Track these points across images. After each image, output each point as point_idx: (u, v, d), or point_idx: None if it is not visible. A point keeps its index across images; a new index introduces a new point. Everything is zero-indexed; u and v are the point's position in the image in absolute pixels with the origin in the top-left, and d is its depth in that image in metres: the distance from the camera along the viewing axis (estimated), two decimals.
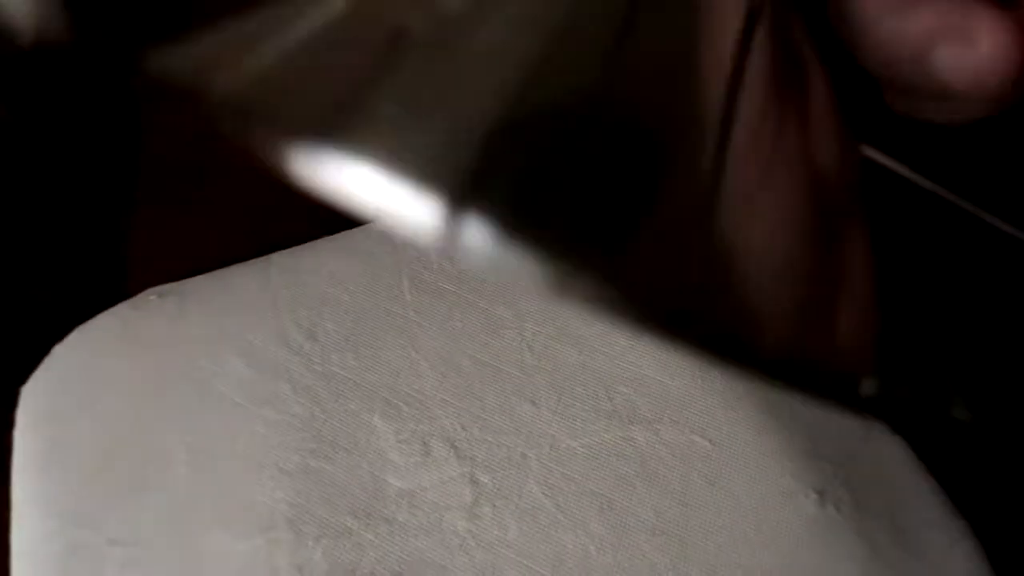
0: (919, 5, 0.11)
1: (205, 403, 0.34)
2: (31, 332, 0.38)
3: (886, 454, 0.35)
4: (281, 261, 0.39)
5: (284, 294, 0.38)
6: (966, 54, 0.11)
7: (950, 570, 0.32)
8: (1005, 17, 0.11)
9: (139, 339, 0.36)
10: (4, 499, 0.31)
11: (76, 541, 0.30)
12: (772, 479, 0.33)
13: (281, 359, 0.36)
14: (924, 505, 0.33)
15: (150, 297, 0.38)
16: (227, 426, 0.34)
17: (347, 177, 0.10)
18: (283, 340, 0.36)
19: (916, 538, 0.32)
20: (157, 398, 0.34)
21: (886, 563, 0.32)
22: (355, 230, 0.40)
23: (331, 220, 0.41)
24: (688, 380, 0.36)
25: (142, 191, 0.44)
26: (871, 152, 0.14)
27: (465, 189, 0.10)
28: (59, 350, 0.36)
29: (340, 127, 0.10)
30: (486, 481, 0.33)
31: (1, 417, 0.34)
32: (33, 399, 0.34)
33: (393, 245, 0.40)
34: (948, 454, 0.36)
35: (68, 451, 0.33)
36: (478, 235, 0.09)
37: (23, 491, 0.32)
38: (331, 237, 0.40)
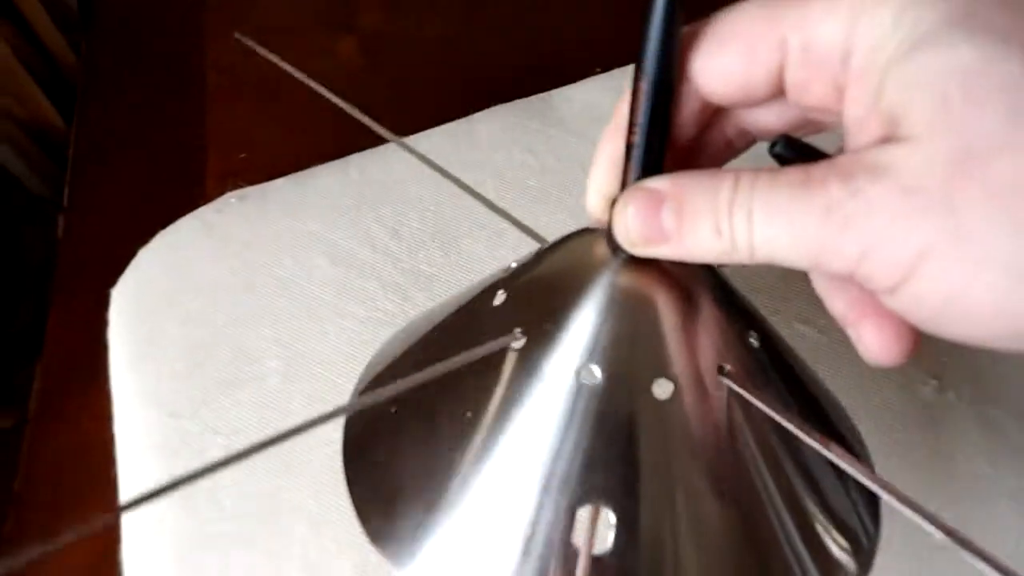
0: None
1: (293, 301, 0.34)
2: (117, 235, 0.38)
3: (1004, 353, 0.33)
4: (360, 162, 0.38)
5: (366, 193, 0.37)
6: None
7: None
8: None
9: (222, 240, 0.36)
10: (106, 394, 0.32)
11: (178, 429, 0.30)
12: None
13: (367, 257, 0.35)
14: None
15: (231, 200, 0.37)
16: (316, 323, 0.33)
17: None
18: (367, 238, 0.35)
19: None
20: (244, 297, 0.34)
21: (1012, 450, 0.30)
22: (435, 129, 0.39)
23: (408, 123, 0.40)
24: (789, 272, 0.34)
25: (213, 96, 0.43)
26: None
27: None
28: (144, 254, 0.36)
29: None
30: None
31: (96, 317, 0.34)
32: (123, 300, 0.34)
33: (474, 142, 0.38)
34: None
35: (160, 348, 0.33)
36: None
37: (122, 386, 0.32)
38: (408, 137, 0.39)
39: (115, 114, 0.44)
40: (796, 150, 0.16)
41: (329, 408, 0.15)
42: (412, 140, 0.39)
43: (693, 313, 0.17)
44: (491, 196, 0.37)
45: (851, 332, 0.17)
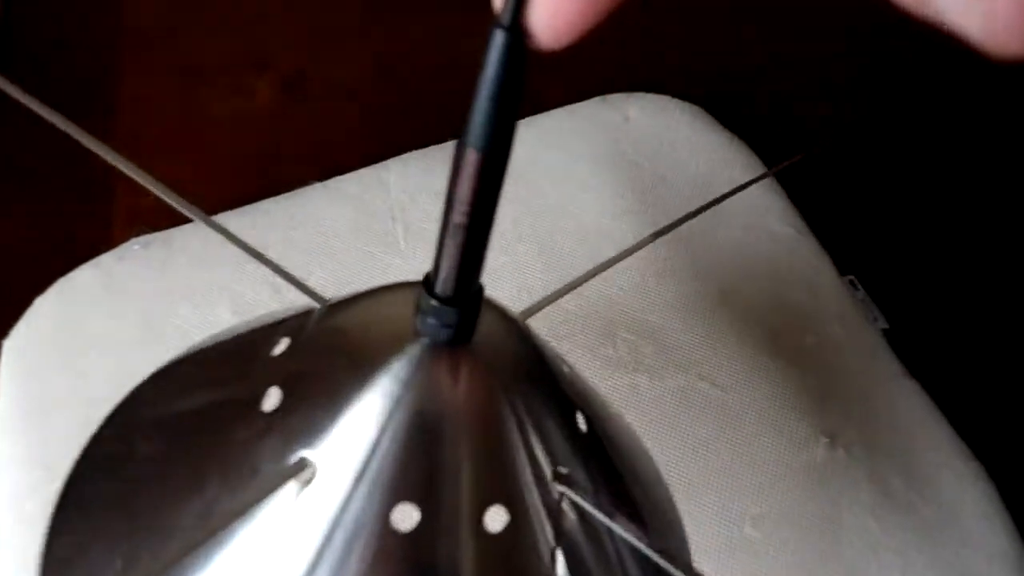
0: None
1: None
2: (11, 284, 0.37)
3: (900, 397, 0.34)
4: (271, 208, 0.38)
5: (274, 241, 0.36)
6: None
7: (963, 512, 0.31)
8: None
9: (123, 290, 0.35)
10: None
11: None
12: (781, 423, 0.32)
13: (271, 308, 0.34)
14: (937, 447, 0.32)
15: (134, 247, 0.36)
16: None
17: None
18: (273, 288, 0.35)
19: (929, 481, 0.31)
20: (142, 351, 0.33)
21: (897, 506, 0.31)
22: (346, 176, 0.39)
23: (321, 166, 0.39)
24: (693, 327, 0.35)
25: (126, 135, 0.42)
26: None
27: None
28: (40, 303, 0.35)
29: None
30: None
31: None
32: (15, 354, 0.33)
33: (386, 190, 0.38)
34: (964, 396, 0.35)
35: (52, 406, 0.32)
36: None
37: (6, 444, 0.31)
38: (322, 183, 0.39)
39: (22, 148, 0.42)
40: None
41: None
42: (323, 186, 0.39)
43: (518, 411, 0.15)
44: (400, 246, 0.37)
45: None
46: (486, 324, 0.15)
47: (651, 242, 0.24)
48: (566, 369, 0.17)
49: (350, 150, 0.41)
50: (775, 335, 0.35)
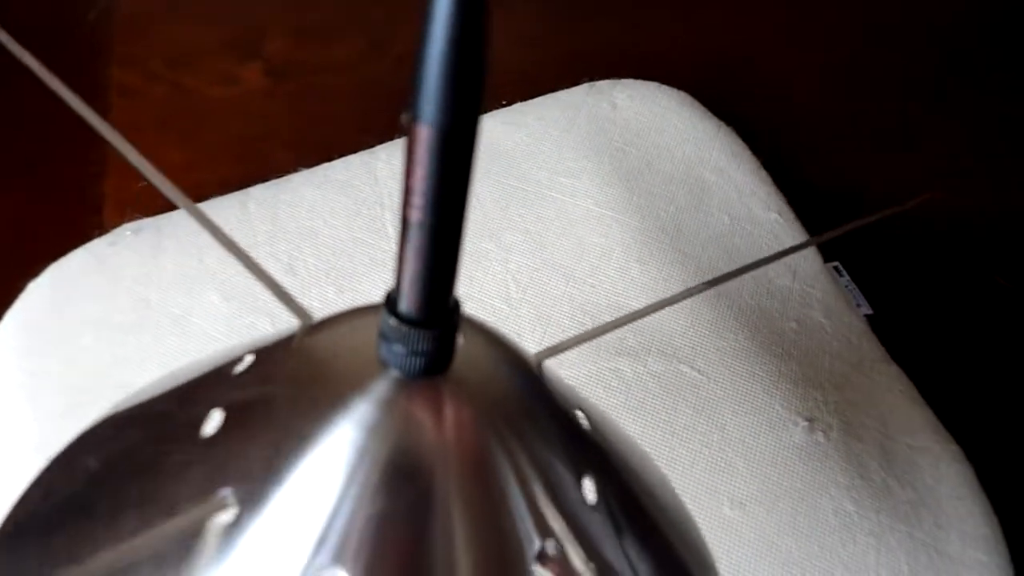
0: None
1: (183, 340, 0.34)
2: (3, 269, 0.37)
3: (880, 382, 0.34)
4: (259, 194, 0.38)
5: (262, 228, 0.37)
6: None
7: (940, 494, 0.31)
8: None
9: (113, 276, 0.35)
10: None
11: None
12: (760, 407, 0.32)
13: (260, 294, 0.35)
14: (916, 431, 0.33)
15: (126, 233, 0.37)
16: None
17: None
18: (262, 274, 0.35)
19: (906, 464, 0.32)
20: (133, 335, 0.34)
21: (875, 488, 0.31)
22: (335, 162, 0.39)
23: (308, 152, 0.40)
24: (676, 311, 0.35)
25: (114, 122, 0.42)
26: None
27: None
28: (33, 287, 0.35)
29: None
30: None
31: None
32: (8, 337, 0.34)
33: (374, 176, 0.39)
34: (947, 380, 0.36)
35: (45, 387, 0.32)
36: None
37: (2, 425, 0.31)
38: (310, 169, 0.39)
39: (11, 136, 0.43)
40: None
41: None
42: (311, 172, 0.39)
43: (502, 468, 0.12)
44: (388, 232, 0.37)
45: None
46: (466, 348, 0.12)
47: (703, 291, 0.19)
48: (584, 423, 0.14)
49: (339, 136, 0.41)
50: (757, 320, 0.35)
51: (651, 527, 0.14)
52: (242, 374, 0.14)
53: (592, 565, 0.12)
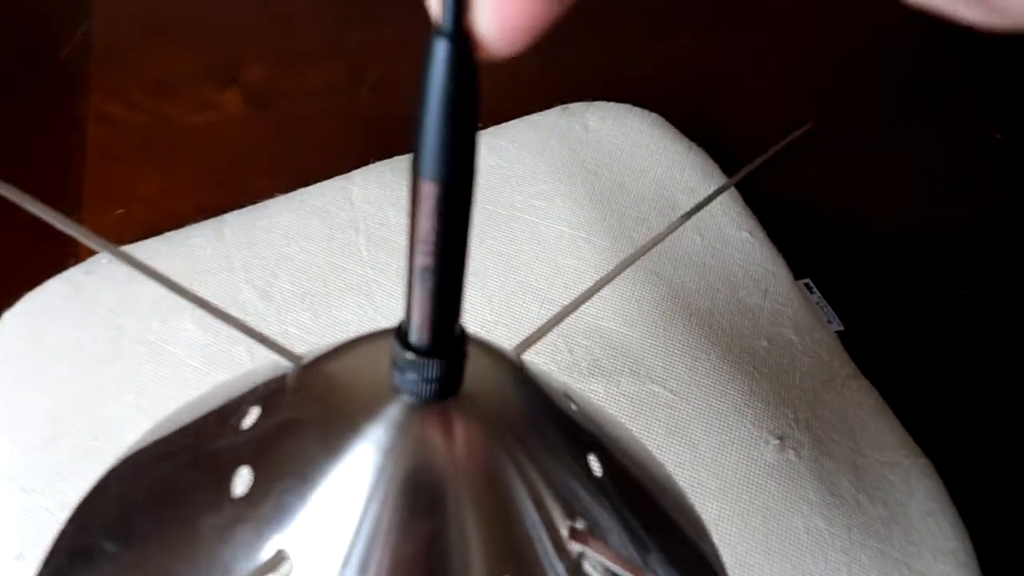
0: None
1: (158, 368, 0.34)
2: None
3: (851, 398, 0.35)
4: (235, 221, 0.38)
5: (237, 254, 0.37)
6: None
7: (911, 510, 0.32)
8: None
9: (89, 304, 0.35)
10: None
11: (28, 506, 0.30)
12: (732, 426, 0.33)
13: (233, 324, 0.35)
14: (886, 446, 0.33)
15: (101, 261, 0.37)
16: (182, 390, 0.33)
17: None
18: (236, 302, 0.36)
19: (877, 480, 0.32)
20: (109, 364, 0.34)
21: (846, 506, 0.32)
22: (310, 187, 0.40)
23: (285, 178, 0.40)
24: (648, 332, 0.35)
25: (94, 149, 0.43)
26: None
27: None
28: (8, 317, 0.35)
29: None
30: None
31: None
32: None
33: (349, 201, 0.39)
34: (917, 395, 0.36)
35: (21, 419, 0.32)
36: None
37: None
38: (286, 195, 0.40)
39: None
40: None
41: None
42: (287, 198, 0.39)
43: (523, 467, 0.13)
44: (363, 256, 0.38)
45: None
46: (473, 370, 0.13)
47: (631, 264, 0.22)
48: (573, 407, 0.15)
49: (317, 162, 0.41)
50: (729, 339, 0.35)
51: (648, 492, 0.16)
52: (255, 427, 0.14)
53: (615, 522, 0.14)
